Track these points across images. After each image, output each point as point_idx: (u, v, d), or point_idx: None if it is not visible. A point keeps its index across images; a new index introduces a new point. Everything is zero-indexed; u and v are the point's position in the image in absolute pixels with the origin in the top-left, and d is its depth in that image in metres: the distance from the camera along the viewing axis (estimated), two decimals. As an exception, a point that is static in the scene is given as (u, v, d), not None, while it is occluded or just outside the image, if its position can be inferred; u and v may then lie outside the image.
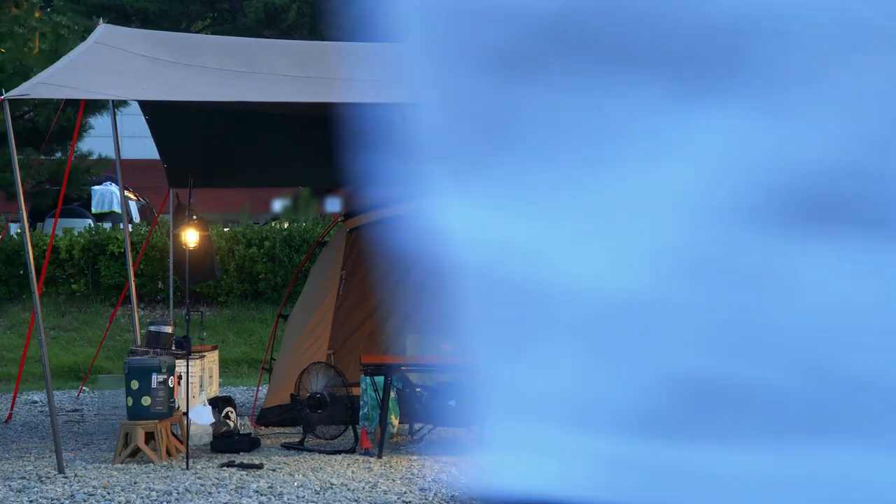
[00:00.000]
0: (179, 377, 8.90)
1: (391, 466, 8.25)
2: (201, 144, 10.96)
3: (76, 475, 7.89)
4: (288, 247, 16.53)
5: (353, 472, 8.05)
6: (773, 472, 0.50)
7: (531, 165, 0.54)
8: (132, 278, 11.10)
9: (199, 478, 7.80)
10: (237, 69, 9.44)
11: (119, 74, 8.97)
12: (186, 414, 8.70)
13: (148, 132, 10.75)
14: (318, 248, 12.07)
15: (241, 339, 15.68)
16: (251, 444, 9.03)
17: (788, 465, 0.50)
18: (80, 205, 20.28)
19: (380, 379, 8.94)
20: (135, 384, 8.51)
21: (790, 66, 0.49)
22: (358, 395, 9.23)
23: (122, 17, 26.34)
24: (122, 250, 15.50)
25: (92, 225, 17.97)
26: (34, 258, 8.73)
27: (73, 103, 11.92)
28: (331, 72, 9.57)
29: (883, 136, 0.49)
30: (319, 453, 8.82)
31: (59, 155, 16.53)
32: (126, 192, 11.78)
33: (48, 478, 7.82)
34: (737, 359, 0.51)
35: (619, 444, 0.52)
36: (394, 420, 9.03)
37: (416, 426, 9.63)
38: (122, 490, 7.39)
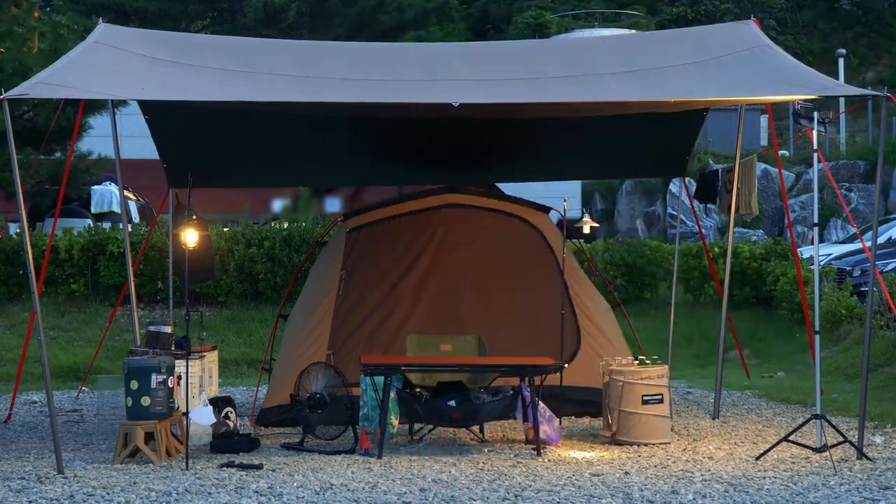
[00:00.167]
0: (179, 377, 8.89)
1: (391, 467, 8.24)
2: (201, 144, 10.96)
3: (75, 475, 7.89)
4: (287, 247, 16.52)
5: (352, 472, 8.05)
6: None
7: None
8: (132, 278, 11.08)
9: (198, 478, 7.79)
10: (237, 69, 9.43)
11: (118, 74, 8.95)
12: (186, 414, 8.69)
13: (147, 132, 10.74)
14: (317, 247, 12.06)
15: (240, 340, 15.67)
16: (251, 444, 9.02)
17: None
18: (79, 205, 20.25)
19: (379, 379, 8.94)
20: (134, 384, 8.50)
21: None
22: (358, 396, 9.22)
23: (122, 17, 26.35)
24: (122, 250, 15.49)
25: (91, 225, 17.95)
26: (33, 258, 8.71)
27: (72, 103, 11.90)
28: (331, 71, 9.57)
29: None
30: (319, 454, 8.82)
31: (58, 155, 16.50)
32: (125, 192, 11.76)
33: (47, 478, 7.81)
34: None
35: None
36: (394, 420, 9.02)
37: (416, 426, 9.62)
38: (122, 490, 7.38)
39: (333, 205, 21.10)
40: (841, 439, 8.66)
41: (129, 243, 11.55)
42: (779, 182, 22.98)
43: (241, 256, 16.44)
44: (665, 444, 9.21)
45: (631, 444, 9.16)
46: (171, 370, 8.65)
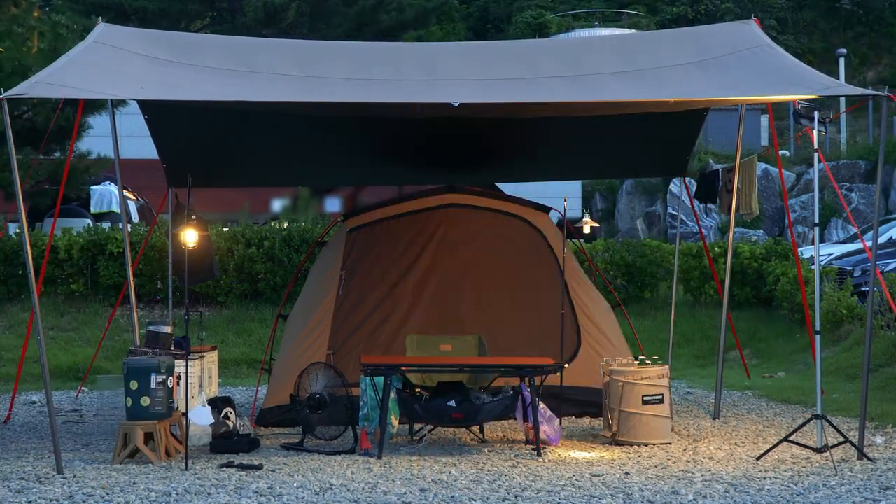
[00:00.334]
0: (178, 377, 8.88)
1: (391, 467, 8.23)
2: (200, 144, 10.94)
3: (75, 476, 7.87)
4: (287, 247, 16.51)
5: (352, 472, 8.03)
6: None
7: None
8: (131, 278, 11.07)
9: (198, 478, 7.78)
10: (236, 68, 9.42)
11: (118, 74, 8.93)
12: (185, 414, 8.68)
13: (147, 132, 10.73)
14: (317, 247, 12.05)
15: (240, 340, 15.65)
16: (250, 444, 9.01)
17: None
18: (78, 204, 20.24)
19: (379, 379, 8.92)
20: (134, 384, 8.49)
21: None
22: (357, 396, 9.21)
23: (121, 16, 26.33)
24: (121, 250, 15.49)
25: (91, 225, 17.94)
26: (33, 258, 8.71)
27: (71, 103, 11.88)
28: (330, 71, 9.55)
29: None
30: (319, 454, 8.80)
31: (57, 154, 16.49)
32: (125, 192, 11.74)
33: (47, 478, 7.79)
34: None
35: None
36: (393, 420, 9.01)
37: (416, 426, 9.61)
38: (121, 491, 7.37)
39: (333, 205, 21.09)
40: (842, 439, 8.64)
41: (129, 243, 11.54)
42: (779, 182, 22.99)
43: (241, 256, 16.43)
44: (665, 444, 9.20)
45: (631, 445, 9.15)
46: (170, 370, 8.63)
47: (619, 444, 9.21)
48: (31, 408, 11.70)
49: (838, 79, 23.57)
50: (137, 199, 21.37)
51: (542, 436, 8.94)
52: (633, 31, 30.89)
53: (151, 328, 9.49)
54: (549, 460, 8.57)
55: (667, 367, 9.61)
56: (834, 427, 8.67)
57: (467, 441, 9.46)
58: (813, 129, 8.92)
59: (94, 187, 20.31)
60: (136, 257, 14.12)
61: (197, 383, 9.83)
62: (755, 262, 16.82)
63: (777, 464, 8.32)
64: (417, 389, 9.29)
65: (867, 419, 8.88)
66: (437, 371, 9.47)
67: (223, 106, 9.48)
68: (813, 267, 9.63)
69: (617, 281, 16.88)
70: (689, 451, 8.95)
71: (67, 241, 16.36)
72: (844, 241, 19.95)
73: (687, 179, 12.42)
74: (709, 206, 12.20)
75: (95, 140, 16.13)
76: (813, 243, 10.06)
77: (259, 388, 11.53)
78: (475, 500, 7.16)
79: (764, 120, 27.14)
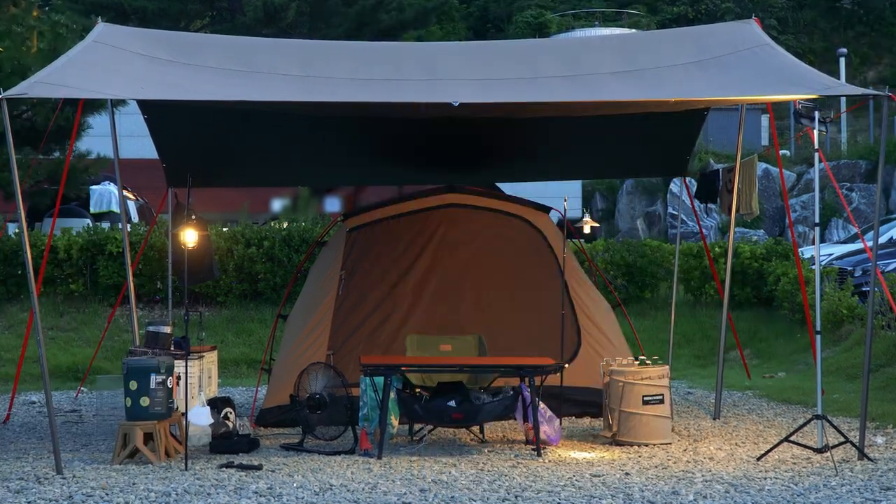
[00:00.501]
0: (178, 378, 8.87)
1: (391, 467, 8.22)
2: (200, 144, 10.93)
3: (74, 476, 7.86)
4: (287, 247, 16.50)
5: (352, 473, 8.02)
6: None
7: None
8: (131, 278, 11.06)
9: (197, 479, 7.77)
10: (236, 68, 9.40)
11: (118, 73, 8.92)
12: (185, 415, 8.67)
13: (146, 131, 10.71)
14: (317, 247, 12.04)
15: (240, 340, 15.65)
16: (250, 444, 9.00)
17: None
18: (78, 204, 20.24)
19: (379, 379, 8.91)
20: (133, 385, 8.48)
21: None
22: (357, 396, 9.20)
23: (121, 16, 26.31)
24: (121, 250, 15.47)
25: (90, 225, 17.93)
26: (32, 258, 8.70)
27: (71, 102, 11.87)
28: (330, 71, 9.54)
29: None
30: (319, 454, 8.79)
31: (57, 154, 16.48)
32: (125, 192, 11.73)
33: (46, 479, 7.78)
34: None
35: None
36: (393, 421, 9.00)
37: (416, 426, 9.60)
38: (121, 491, 7.36)
39: (333, 205, 21.08)
40: (842, 440, 8.63)
41: (129, 243, 11.53)
42: (780, 182, 22.98)
43: (241, 256, 16.42)
44: (666, 444, 9.19)
45: (631, 445, 9.14)
46: (170, 370, 8.62)
47: (620, 444, 9.20)
48: (31, 408, 11.69)
49: (839, 78, 23.56)
50: (137, 199, 21.36)
51: (542, 436, 8.93)
52: (634, 30, 30.87)
53: (151, 328, 9.48)
54: (550, 460, 8.56)
55: (667, 367, 9.60)
56: (834, 427, 8.66)
57: (467, 441, 9.45)
58: (813, 128, 8.91)
59: (94, 187, 20.31)
60: (135, 257, 14.11)
61: (196, 383, 9.82)
62: (756, 262, 16.81)
63: (777, 464, 8.31)
64: (417, 389, 9.28)
65: (868, 419, 8.87)
66: (437, 371, 9.46)
67: (223, 106, 9.47)
68: (813, 267, 9.63)
69: (617, 281, 16.87)
70: (689, 451, 8.94)
71: (67, 241, 16.35)
72: (845, 241, 19.94)
73: (687, 179, 12.41)
74: (709, 206, 12.20)
75: (95, 140, 16.12)
76: (813, 243, 10.06)
77: (259, 389, 11.52)
78: (475, 501, 7.15)
79: (764, 120, 27.13)
